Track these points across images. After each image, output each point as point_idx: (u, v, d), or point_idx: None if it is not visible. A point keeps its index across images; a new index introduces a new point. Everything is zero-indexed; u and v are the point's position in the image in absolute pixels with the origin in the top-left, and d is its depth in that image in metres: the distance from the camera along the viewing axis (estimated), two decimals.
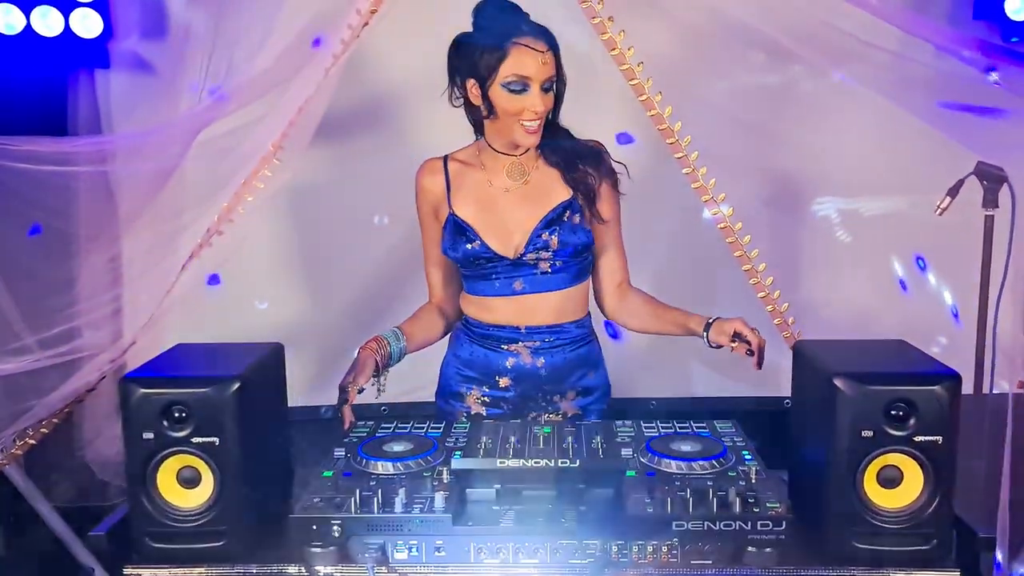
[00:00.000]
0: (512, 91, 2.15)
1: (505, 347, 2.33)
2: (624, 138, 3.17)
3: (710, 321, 2.19)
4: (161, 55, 3.08)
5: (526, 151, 2.28)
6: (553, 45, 2.16)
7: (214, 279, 2.63)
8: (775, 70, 3.23)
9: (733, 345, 2.12)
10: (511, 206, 2.29)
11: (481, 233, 2.26)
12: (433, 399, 2.48)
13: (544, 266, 2.28)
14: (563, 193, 2.28)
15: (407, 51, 3.21)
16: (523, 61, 2.13)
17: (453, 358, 2.42)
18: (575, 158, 2.28)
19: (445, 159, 2.35)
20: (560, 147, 2.28)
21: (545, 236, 2.25)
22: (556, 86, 2.19)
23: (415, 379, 2.50)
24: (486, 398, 2.36)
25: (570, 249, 2.27)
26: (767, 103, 3.24)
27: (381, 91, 3.30)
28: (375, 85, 3.27)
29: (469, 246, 2.26)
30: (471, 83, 2.18)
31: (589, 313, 2.41)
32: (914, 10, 2.98)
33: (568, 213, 2.27)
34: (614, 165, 2.32)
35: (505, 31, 2.14)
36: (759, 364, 2.11)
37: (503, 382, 2.34)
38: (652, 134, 2.46)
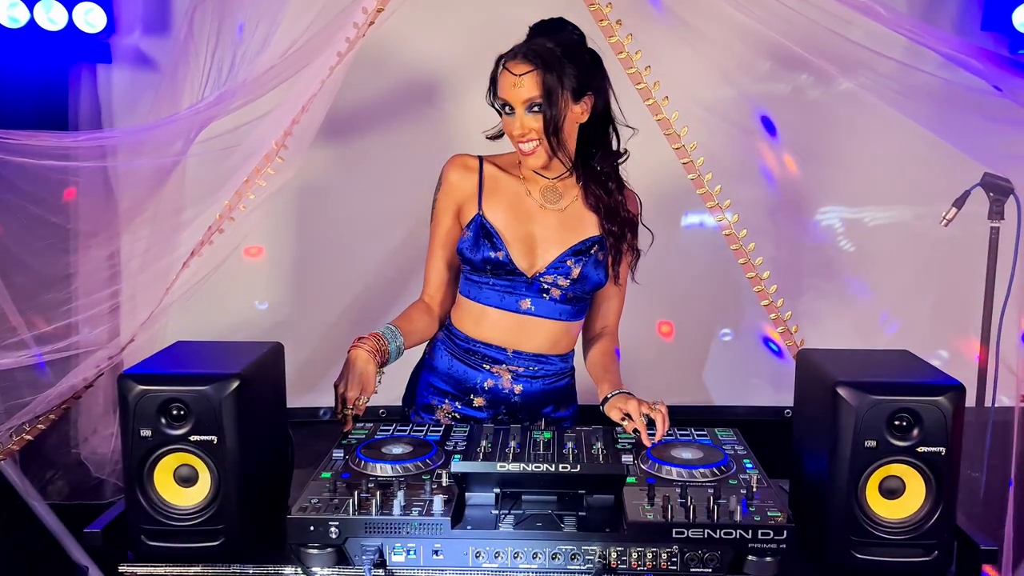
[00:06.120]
0: (505, 113, 2.17)
1: (487, 367, 2.31)
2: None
3: (609, 396, 2.14)
4: (163, 51, 3.08)
5: (560, 176, 2.28)
6: (543, 63, 2.10)
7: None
8: (782, 78, 3.23)
9: (624, 423, 2.06)
10: (543, 224, 2.27)
11: (508, 243, 2.23)
12: None
13: (555, 292, 2.27)
14: (595, 229, 2.27)
15: (413, 52, 3.20)
16: (503, 84, 2.14)
17: (428, 369, 2.39)
18: (616, 214, 2.26)
19: (480, 159, 2.32)
20: (603, 194, 2.25)
21: (569, 263, 2.24)
22: (546, 105, 2.12)
23: None
24: (457, 414, 2.34)
25: (587, 285, 2.26)
26: (774, 111, 3.24)
27: (387, 91, 3.30)
28: (381, 85, 3.26)
29: (492, 254, 2.23)
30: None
31: (574, 350, 2.41)
32: (922, 20, 2.98)
33: (596, 248, 2.26)
34: (640, 235, 2.33)
35: (505, 54, 2.16)
36: (649, 440, 1.99)
37: (477, 401, 2.33)
38: (659, 139, 2.45)
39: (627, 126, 2.28)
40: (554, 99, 2.12)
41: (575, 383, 2.45)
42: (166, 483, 1.64)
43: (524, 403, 2.32)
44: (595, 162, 2.25)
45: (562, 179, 2.29)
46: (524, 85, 2.11)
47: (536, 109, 2.13)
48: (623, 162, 2.29)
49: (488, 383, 2.31)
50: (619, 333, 2.44)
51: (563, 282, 2.25)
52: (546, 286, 2.26)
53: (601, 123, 2.25)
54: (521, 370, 2.31)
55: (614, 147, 2.29)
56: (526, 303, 2.27)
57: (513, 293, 2.27)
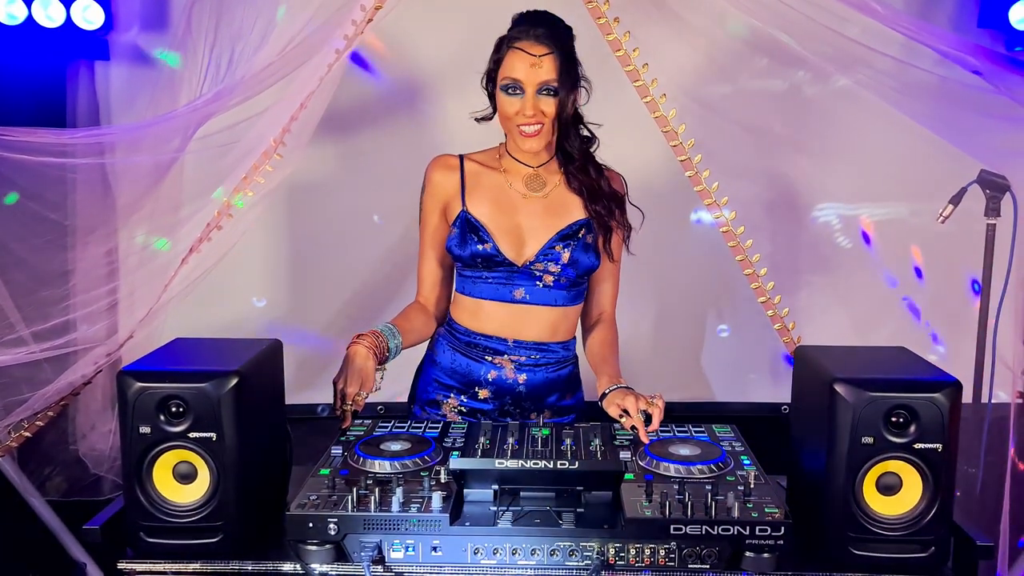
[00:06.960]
0: (509, 94, 2.17)
1: (489, 358, 2.32)
2: None
3: (607, 391, 2.14)
4: (162, 48, 3.07)
5: (544, 164, 2.29)
6: (559, 48, 2.14)
7: None
8: (779, 75, 3.24)
9: (622, 420, 2.05)
10: (528, 213, 2.28)
11: (494, 235, 2.25)
12: None
13: (548, 279, 2.27)
14: (581, 213, 2.28)
15: (411, 50, 3.20)
16: (516, 64, 2.15)
17: (432, 365, 2.40)
18: (599, 194, 2.27)
19: (461, 157, 2.33)
20: (585, 178, 2.27)
21: (558, 249, 2.25)
22: (561, 90, 2.16)
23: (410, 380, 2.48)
24: (463, 408, 2.34)
25: (579, 268, 2.27)
26: (771, 108, 3.24)
27: (384, 89, 3.29)
28: (378, 83, 3.26)
29: (480, 247, 2.24)
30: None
31: (575, 337, 2.41)
32: (919, 17, 2.98)
33: (584, 231, 2.27)
34: (630, 210, 2.33)
35: (512, 35, 2.18)
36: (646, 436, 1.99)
37: (482, 393, 2.33)
38: (657, 137, 2.45)
39: (592, 123, 2.29)
40: (569, 84, 2.15)
41: (579, 372, 2.44)
42: (165, 480, 1.64)
43: (529, 392, 2.33)
44: (570, 148, 2.26)
45: (544, 166, 2.30)
46: (543, 67, 2.13)
47: (548, 92, 2.15)
48: (595, 149, 2.30)
49: (492, 374, 2.32)
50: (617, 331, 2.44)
51: (554, 268, 2.25)
52: (538, 273, 2.26)
53: (576, 114, 2.26)
54: (523, 359, 2.31)
55: (585, 134, 2.30)
56: (520, 292, 2.28)
57: (507, 284, 2.28)
